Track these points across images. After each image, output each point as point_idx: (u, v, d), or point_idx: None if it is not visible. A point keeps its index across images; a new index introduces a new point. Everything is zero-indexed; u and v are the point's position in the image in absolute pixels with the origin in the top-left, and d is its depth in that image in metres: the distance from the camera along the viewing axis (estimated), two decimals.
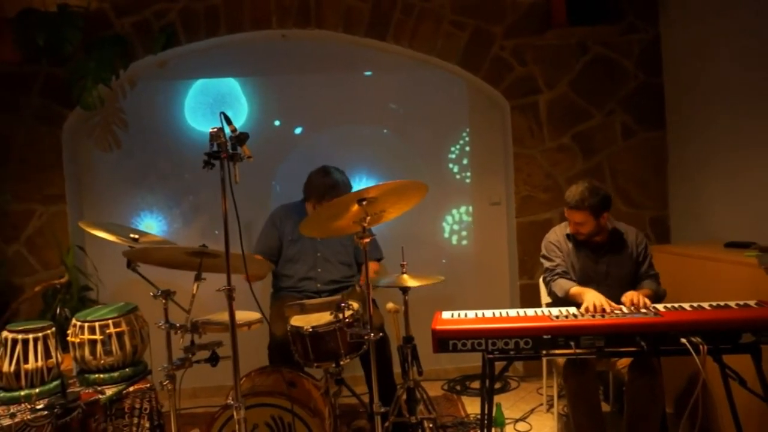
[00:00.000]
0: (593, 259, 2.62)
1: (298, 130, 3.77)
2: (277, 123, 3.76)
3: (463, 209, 3.88)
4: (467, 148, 3.86)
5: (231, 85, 3.73)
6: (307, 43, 3.74)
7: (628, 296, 2.37)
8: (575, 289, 2.48)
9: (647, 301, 2.32)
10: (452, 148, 3.85)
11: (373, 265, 3.06)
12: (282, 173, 3.75)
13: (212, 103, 3.70)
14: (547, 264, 2.67)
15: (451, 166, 3.86)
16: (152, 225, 3.70)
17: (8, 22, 3.18)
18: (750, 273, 2.34)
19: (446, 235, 3.87)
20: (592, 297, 2.31)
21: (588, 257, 2.62)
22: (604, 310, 2.24)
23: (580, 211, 2.52)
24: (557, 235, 2.71)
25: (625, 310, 2.27)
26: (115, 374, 2.32)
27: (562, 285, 2.55)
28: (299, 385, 2.46)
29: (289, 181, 3.60)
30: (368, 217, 2.18)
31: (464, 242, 3.88)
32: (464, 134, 3.85)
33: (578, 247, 2.64)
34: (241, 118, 3.70)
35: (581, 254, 2.63)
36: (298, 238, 3.06)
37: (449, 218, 3.87)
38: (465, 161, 3.86)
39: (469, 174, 3.87)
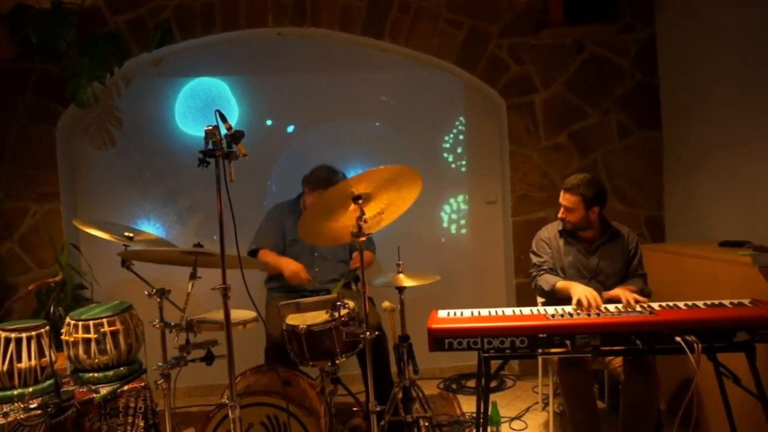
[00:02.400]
0: (585, 255, 2.64)
1: (290, 129, 3.76)
2: (269, 122, 3.75)
3: (460, 198, 3.87)
4: (461, 137, 3.85)
5: (220, 87, 3.70)
6: (302, 41, 3.73)
7: (614, 292, 2.39)
8: (562, 283, 2.50)
9: (638, 297, 2.34)
10: (446, 138, 3.85)
11: (367, 254, 3.05)
12: (277, 172, 3.73)
13: (202, 106, 3.68)
14: (534, 259, 2.70)
15: (446, 155, 3.85)
16: (147, 223, 3.68)
17: (1, 19, 3.15)
18: (744, 272, 2.35)
19: (445, 224, 3.87)
20: (580, 290, 2.33)
21: (579, 253, 2.64)
22: (598, 308, 2.25)
23: (572, 195, 2.56)
24: (548, 232, 2.73)
25: (611, 308, 2.28)
26: (110, 373, 2.31)
27: (547, 279, 2.57)
28: (295, 384, 2.46)
29: (285, 180, 3.59)
30: (364, 216, 2.18)
31: (463, 231, 3.87)
32: (457, 123, 3.84)
33: (570, 243, 2.66)
34: (232, 120, 3.67)
35: (573, 250, 2.65)
36: (298, 238, 3.05)
37: (447, 207, 3.87)
38: (459, 150, 3.85)
39: (464, 162, 3.86)
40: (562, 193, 2.63)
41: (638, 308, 2.25)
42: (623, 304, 2.32)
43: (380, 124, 3.80)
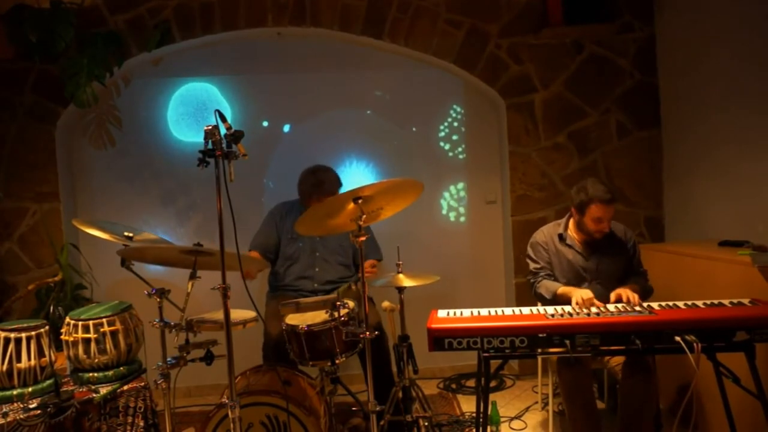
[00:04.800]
0: (584, 257, 2.63)
1: (286, 128, 3.75)
2: (265, 124, 3.74)
3: (460, 185, 3.87)
4: (455, 124, 3.84)
5: (210, 90, 3.69)
6: (300, 41, 3.72)
7: (617, 293, 2.39)
8: (563, 289, 2.50)
9: (636, 297, 2.34)
10: (441, 127, 3.83)
11: (372, 262, 3.10)
12: (273, 170, 3.73)
13: (194, 112, 3.68)
14: (532, 266, 2.69)
15: (442, 144, 3.84)
16: (146, 223, 3.68)
17: (0, 19, 3.15)
18: (743, 271, 2.35)
19: (444, 211, 3.86)
20: (580, 293, 2.34)
21: (578, 255, 2.63)
22: (597, 308, 2.25)
23: (614, 205, 2.51)
24: (545, 235, 2.71)
25: (611, 308, 2.28)
26: (110, 373, 2.31)
27: (547, 286, 2.57)
28: (294, 383, 2.46)
29: (282, 178, 3.60)
30: (364, 215, 2.18)
31: (462, 219, 3.87)
32: (452, 111, 3.83)
33: (569, 245, 2.65)
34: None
35: (571, 252, 2.64)
36: (297, 237, 3.06)
37: (446, 194, 3.87)
38: (455, 137, 3.84)
39: (461, 149, 3.84)
40: (604, 207, 2.46)
41: (637, 308, 2.26)
42: (623, 302, 2.32)
43: (378, 119, 3.78)
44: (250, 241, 3.18)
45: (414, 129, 3.82)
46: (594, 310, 2.24)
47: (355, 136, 3.78)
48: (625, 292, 2.36)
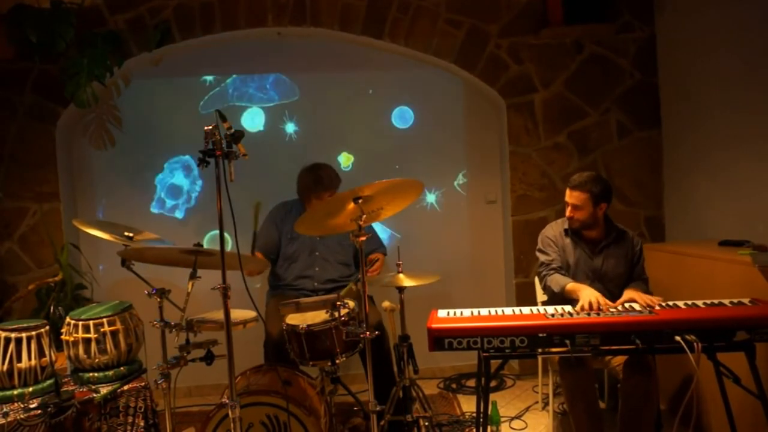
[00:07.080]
0: (589, 255, 2.62)
1: (289, 128, 3.75)
2: (262, 127, 3.74)
3: (460, 174, 3.86)
4: (451, 114, 3.83)
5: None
6: (301, 41, 3.73)
7: (629, 297, 2.38)
8: (571, 285, 2.48)
9: (654, 298, 2.33)
10: (438, 119, 3.82)
11: (378, 257, 3.14)
12: (270, 167, 3.73)
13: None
14: (542, 258, 2.67)
15: (440, 135, 3.83)
16: (147, 223, 3.67)
17: (0, 19, 3.15)
18: (744, 271, 2.35)
19: (431, 200, 3.86)
20: (588, 294, 2.32)
21: (584, 253, 2.62)
22: (600, 308, 2.24)
23: (581, 192, 2.53)
24: (554, 230, 2.71)
25: (619, 308, 2.27)
26: (110, 373, 2.31)
27: (557, 280, 2.55)
28: (295, 383, 2.46)
29: (280, 175, 3.61)
30: (364, 215, 2.18)
31: (460, 212, 3.87)
32: (448, 103, 3.82)
33: (575, 242, 2.64)
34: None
35: (578, 249, 2.63)
36: (297, 236, 3.06)
37: (446, 184, 3.87)
38: (452, 128, 3.83)
39: (459, 138, 3.85)
40: (568, 191, 2.58)
41: (637, 307, 2.25)
42: (640, 305, 2.30)
43: (378, 116, 3.78)
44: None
45: (411, 123, 3.82)
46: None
47: (354, 132, 3.78)
48: (640, 297, 2.35)
